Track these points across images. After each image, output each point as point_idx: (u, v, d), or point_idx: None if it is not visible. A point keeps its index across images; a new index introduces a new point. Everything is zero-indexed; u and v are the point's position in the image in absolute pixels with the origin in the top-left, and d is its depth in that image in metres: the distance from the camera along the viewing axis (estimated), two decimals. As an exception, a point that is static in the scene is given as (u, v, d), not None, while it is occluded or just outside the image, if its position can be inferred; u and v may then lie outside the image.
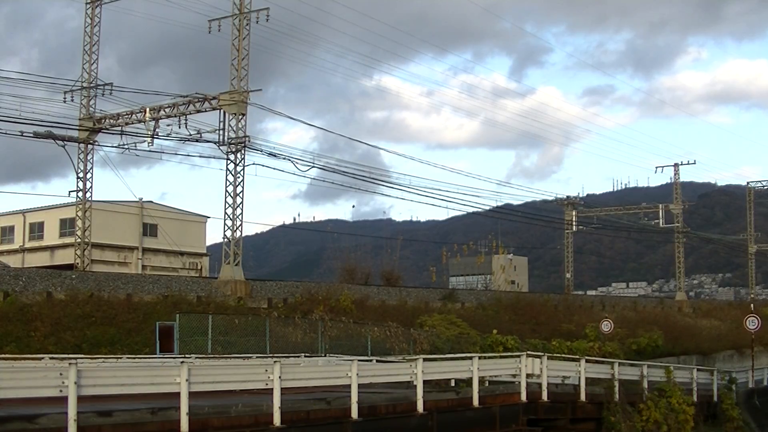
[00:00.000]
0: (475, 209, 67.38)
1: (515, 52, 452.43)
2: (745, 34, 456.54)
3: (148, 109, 41.08)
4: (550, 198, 78.19)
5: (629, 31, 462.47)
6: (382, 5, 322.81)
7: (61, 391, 13.90)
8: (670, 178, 76.40)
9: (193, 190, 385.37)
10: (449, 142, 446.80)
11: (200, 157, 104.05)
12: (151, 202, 60.50)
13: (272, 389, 16.86)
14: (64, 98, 43.47)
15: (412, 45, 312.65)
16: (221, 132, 39.21)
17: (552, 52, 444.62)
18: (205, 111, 40.38)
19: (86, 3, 46.17)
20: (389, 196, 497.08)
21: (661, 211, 74.18)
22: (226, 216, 39.56)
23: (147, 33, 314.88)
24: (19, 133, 36.12)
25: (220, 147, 39.30)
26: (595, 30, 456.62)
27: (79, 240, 46.42)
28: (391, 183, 71.92)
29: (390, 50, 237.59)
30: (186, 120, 40.28)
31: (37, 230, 59.07)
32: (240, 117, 39.05)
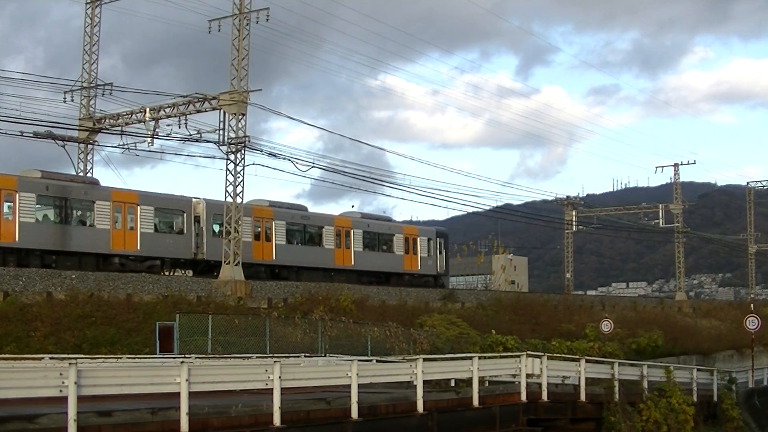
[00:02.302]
0: (476, 209, 67.48)
1: (522, 51, 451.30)
2: (752, 34, 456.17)
3: (148, 109, 41.06)
4: (551, 198, 78.31)
5: (637, 30, 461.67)
6: (387, 6, 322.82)
7: (61, 391, 13.91)
8: (670, 178, 76.37)
9: (195, 190, 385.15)
10: (453, 142, 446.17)
11: (201, 157, 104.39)
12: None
13: (272, 389, 16.87)
14: (64, 98, 43.42)
15: (417, 45, 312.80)
16: (221, 132, 39.23)
17: (559, 51, 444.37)
18: (206, 111, 40.37)
19: (86, 3, 46.10)
20: (390, 196, 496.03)
21: (661, 211, 74.14)
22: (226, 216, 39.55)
23: (151, 33, 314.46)
24: (19, 134, 36.16)
25: (220, 147, 39.31)
26: (603, 29, 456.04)
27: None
28: (392, 183, 71.52)
29: (395, 51, 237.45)
30: (186, 120, 40.29)
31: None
32: (240, 117, 39.06)
